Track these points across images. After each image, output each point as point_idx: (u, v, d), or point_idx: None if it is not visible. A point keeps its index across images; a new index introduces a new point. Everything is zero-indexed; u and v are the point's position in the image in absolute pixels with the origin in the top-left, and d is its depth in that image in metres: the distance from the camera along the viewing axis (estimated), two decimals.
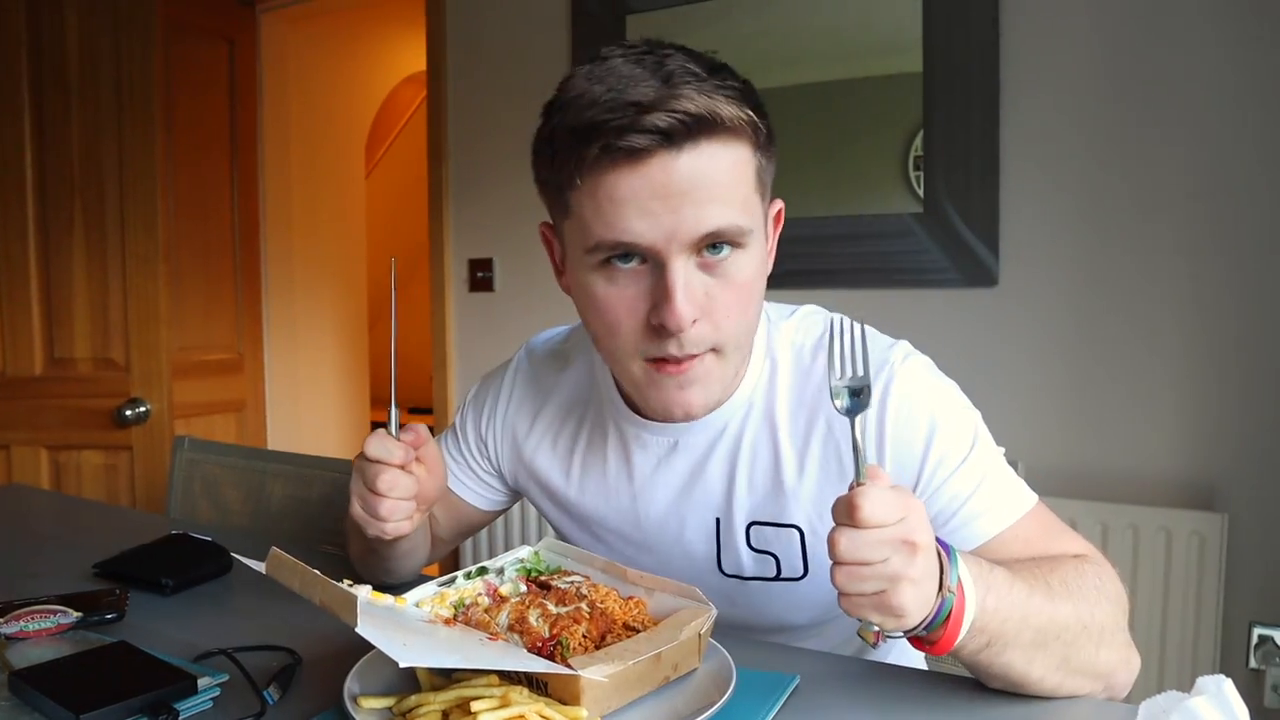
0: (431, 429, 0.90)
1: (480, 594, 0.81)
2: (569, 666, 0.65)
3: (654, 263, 0.77)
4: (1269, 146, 1.66)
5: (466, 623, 0.76)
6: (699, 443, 0.91)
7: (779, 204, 0.88)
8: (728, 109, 0.75)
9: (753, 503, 0.89)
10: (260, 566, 0.70)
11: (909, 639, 0.67)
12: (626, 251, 0.77)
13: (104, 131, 2.23)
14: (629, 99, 0.73)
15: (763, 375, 0.90)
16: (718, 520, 0.91)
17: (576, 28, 2.35)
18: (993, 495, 0.82)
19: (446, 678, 0.69)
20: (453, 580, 0.82)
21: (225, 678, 0.78)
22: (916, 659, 0.97)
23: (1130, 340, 1.79)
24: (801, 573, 0.89)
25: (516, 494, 1.09)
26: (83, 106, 2.24)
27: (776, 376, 0.90)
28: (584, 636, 0.72)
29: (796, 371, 0.89)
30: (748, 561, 0.90)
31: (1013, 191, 1.87)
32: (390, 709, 0.67)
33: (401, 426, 0.87)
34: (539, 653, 0.70)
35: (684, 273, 0.76)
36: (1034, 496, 0.84)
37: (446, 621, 0.76)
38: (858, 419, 0.69)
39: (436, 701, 0.65)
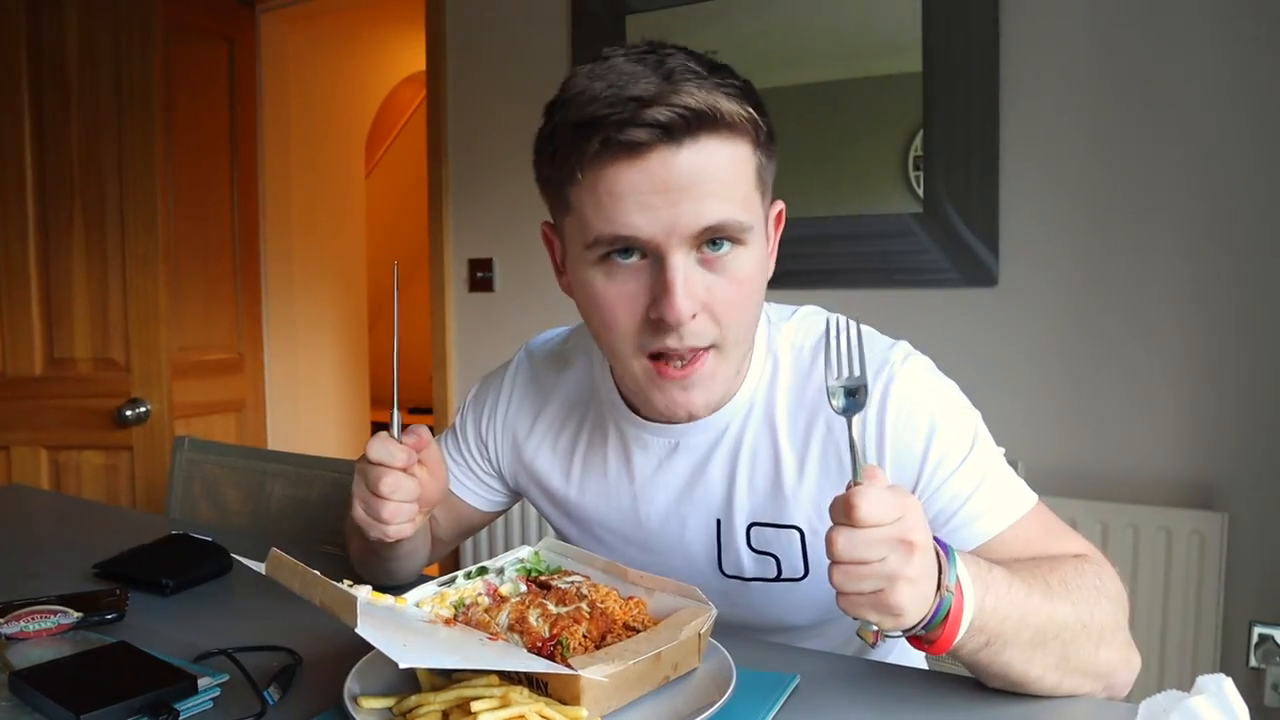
0: (431, 429, 0.90)
1: (480, 594, 0.81)
2: (569, 666, 0.65)
3: (654, 257, 0.77)
4: (1268, 147, 1.66)
5: (466, 623, 0.76)
6: (700, 444, 0.91)
7: (780, 205, 0.88)
8: (728, 105, 0.75)
9: (753, 504, 0.89)
10: (260, 567, 0.70)
11: (908, 638, 0.67)
12: (626, 246, 0.77)
13: (104, 131, 2.23)
14: (630, 94, 0.73)
15: (764, 376, 0.90)
16: (718, 521, 0.91)
17: (576, 28, 2.35)
18: (993, 495, 0.82)
19: (446, 678, 0.69)
20: (453, 580, 0.82)
21: (225, 678, 0.78)
22: (917, 659, 0.97)
23: (1130, 340, 1.79)
24: (802, 573, 0.89)
25: (516, 495, 1.09)
26: (82, 106, 2.24)
27: (777, 378, 0.90)
28: (584, 636, 0.72)
29: (796, 373, 0.89)
30: (748, 562, 0.90)
31: (1012, 191, 1.87)
32: (390, 709, 0.67)
33: (404, 428, 0.87)
34: (539, 653, 0.70)
35: (684, 267, 0.76)
36: (1034, 496, 0.85)
37: (446, 621, 0.76)
38: (855, 419, 0.69)
39: (436, 701, 0.65)
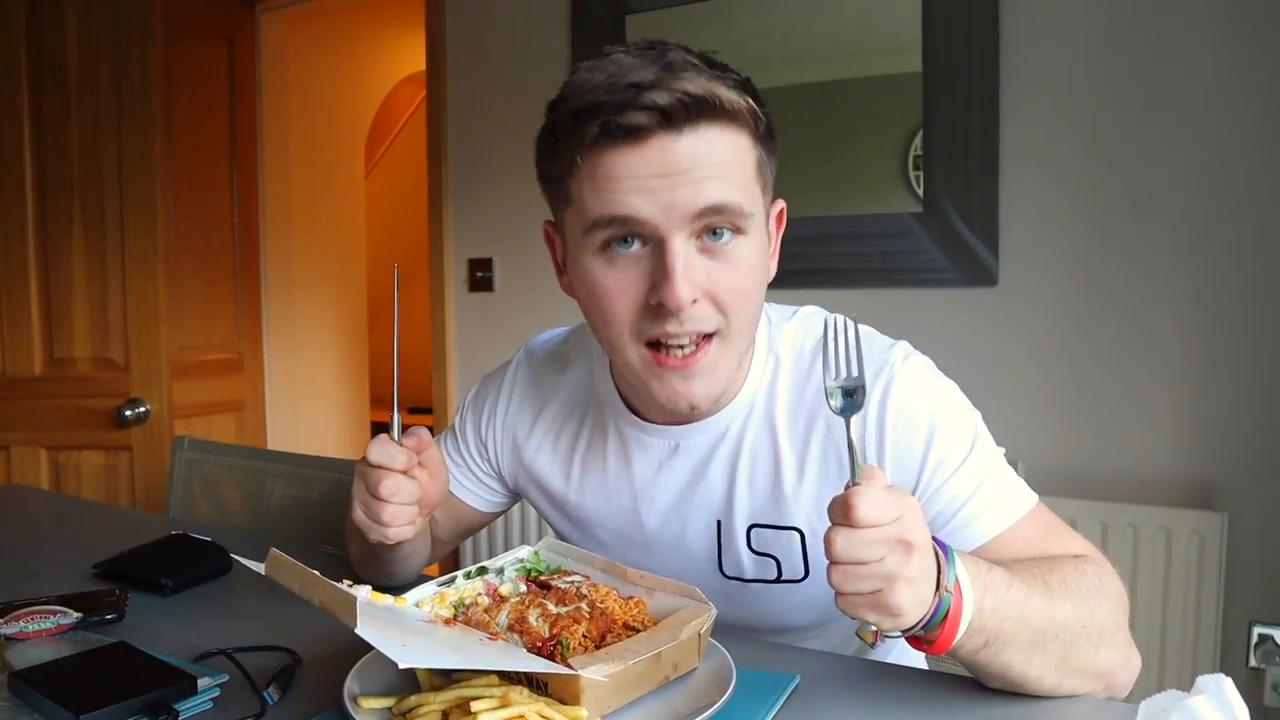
0: (431, 429, 0.90)
1: (480, 594, 0.81)
2: (569, 666, 0.65)
3: (653, 244, 0.77)
4: (1268, 147, 1.66)
5: (466, 623, 0.76)
6: (700, 445, 0.91)
7: (781, 204, 0.88)
8: (728, 94, 0.76)
9: (753, 505, 0.89)
10: (259, 567, 0.70)
11: (907, 638, 0.67)
12: (625, 233, 0.77)
13: (103, 131, 2.23)
14: (629, 80, 0.74)
15: (765, 377, 0.90)
16: (719, 523, 0.91)
17: (576, 28, 2.35)
18: (993, 496, 0.82)
19: (446, 678, 0.69)
20: (453, 580, 0.82)
21: (225, 678, 0.78)
22: (917, 659, 0.97)
23: (1130, 339, 1.79)
24: (802, 574, 0.89)
25: (516, 495, 1.09)
26: (82, 106, 2.24)
27: (778, 378, 0.90)
28: (584, 636, 0.72)
29: (796, 373, 0.89)
30: (748, 563, 0.90)
31: (1012, 191, 1.87)
32: (390, 709, 0.67)
33: (404, 430, 0.87)
34: (539, 653, 0.70)
35: (683, 252, 0.76)
36: (1034, 497, 0.84)
37: (446, 621, 0.76)
38: (853, 419, 0.69)
39: (436, 701, 0.65)
